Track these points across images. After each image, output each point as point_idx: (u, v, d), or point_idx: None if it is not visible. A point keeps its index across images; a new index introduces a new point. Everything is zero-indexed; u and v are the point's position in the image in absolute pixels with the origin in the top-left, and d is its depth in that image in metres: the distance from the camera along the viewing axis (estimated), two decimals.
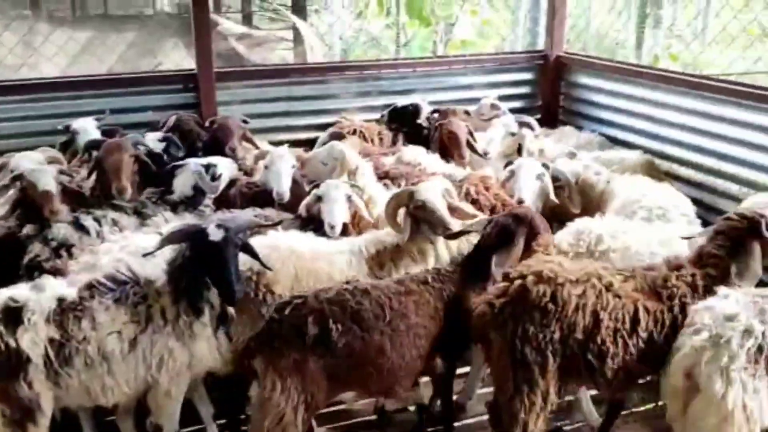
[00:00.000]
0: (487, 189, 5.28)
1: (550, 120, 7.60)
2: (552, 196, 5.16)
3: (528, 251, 3.81)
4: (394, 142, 6.63)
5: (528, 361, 3.27)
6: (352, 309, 3.40)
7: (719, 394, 2.99)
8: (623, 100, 6.83)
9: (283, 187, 5.01)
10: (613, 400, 3.88)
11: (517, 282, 3.36)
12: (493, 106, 6.98)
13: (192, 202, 4.82)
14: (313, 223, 4.59)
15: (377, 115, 6.93)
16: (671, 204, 4.81)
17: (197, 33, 6.18)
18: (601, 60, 7.47)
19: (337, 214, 4.45)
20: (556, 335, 3.25)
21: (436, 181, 4.71)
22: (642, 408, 4.40)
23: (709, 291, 3.38)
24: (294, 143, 6.61)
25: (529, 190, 5.07)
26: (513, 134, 5.92)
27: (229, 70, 6.84)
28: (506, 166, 5.38)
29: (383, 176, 5.45)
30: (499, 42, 15.92)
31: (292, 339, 3.32)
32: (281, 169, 5.07)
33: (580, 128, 7.12)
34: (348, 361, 3.38)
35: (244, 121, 6.04)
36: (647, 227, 4.38)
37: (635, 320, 3.30)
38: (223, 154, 5.55)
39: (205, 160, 5.08)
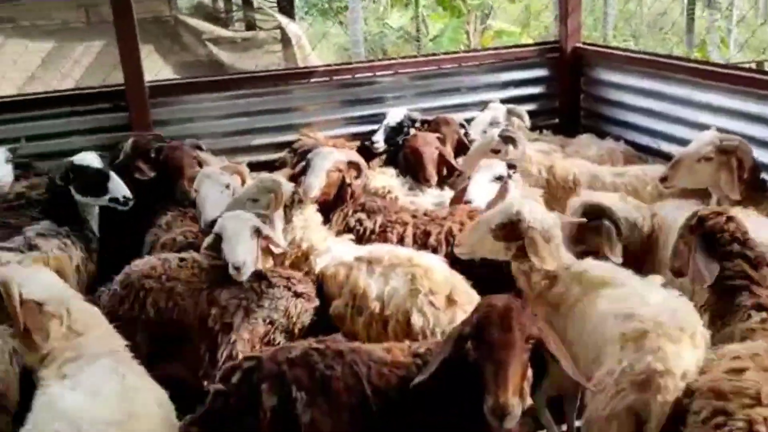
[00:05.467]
0: None
1: (570, 125, 6.31)
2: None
3: None
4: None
5: None
6: (321, 374, 2.53)
7: None
8: (654, 99, 5.48)
9: (208, 214, 4.06)
10: None
11: None
12: (512, 113, 5.76)
13: None
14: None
15: (353, 129, 5.79)
16: None
17: (122, 43, 5.11)
18: (625, 51, 6.14)
19: (240, 252, 3.49)
20: None
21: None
22: None
23: None
24: (251, 167, 5.54)
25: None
26: (496, 152, 4.69)
27: (165, 84, 5.73)
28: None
29: (359, 209, 4.34)
30: (543, 32, 14.66)
31: (244, 417, 2.48)
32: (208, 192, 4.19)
33: (603, 135, 5.82)
34: None
35: (198, 147, 4.96)
36: None
37: None
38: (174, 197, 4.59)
39: None
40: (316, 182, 4.18)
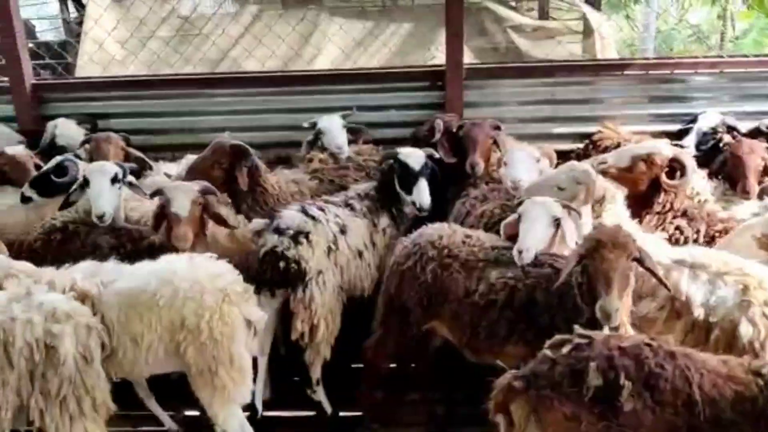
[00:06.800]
0: None
1: None
2: None
3: None
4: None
5: None
6: (649, 370, 2.51)
7: None
8: None
9: (512, 173, 4.34)
10: None
11: None
12: None
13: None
14: None
15: (659, 127, 5.57)
16: None
17: (449, 25, 5.45)
18: None
19: (529, 239, 3.54)
20: None
21: None
22: None
23: None
24: None
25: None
26: None
27: (481, 68, 6.01)
28: None
29: (681, 215, 4.19)
30: None
31: (566, 387, 2.56)
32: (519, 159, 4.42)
33: None
34: None
35: (497, 127, 5.15)
36: None
37: None
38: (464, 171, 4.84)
39: None
40: (611, 159, 4.14)
